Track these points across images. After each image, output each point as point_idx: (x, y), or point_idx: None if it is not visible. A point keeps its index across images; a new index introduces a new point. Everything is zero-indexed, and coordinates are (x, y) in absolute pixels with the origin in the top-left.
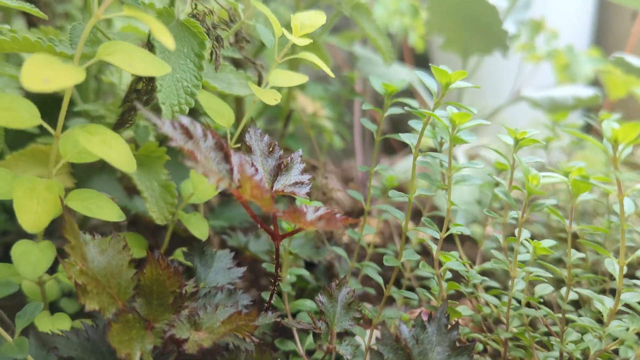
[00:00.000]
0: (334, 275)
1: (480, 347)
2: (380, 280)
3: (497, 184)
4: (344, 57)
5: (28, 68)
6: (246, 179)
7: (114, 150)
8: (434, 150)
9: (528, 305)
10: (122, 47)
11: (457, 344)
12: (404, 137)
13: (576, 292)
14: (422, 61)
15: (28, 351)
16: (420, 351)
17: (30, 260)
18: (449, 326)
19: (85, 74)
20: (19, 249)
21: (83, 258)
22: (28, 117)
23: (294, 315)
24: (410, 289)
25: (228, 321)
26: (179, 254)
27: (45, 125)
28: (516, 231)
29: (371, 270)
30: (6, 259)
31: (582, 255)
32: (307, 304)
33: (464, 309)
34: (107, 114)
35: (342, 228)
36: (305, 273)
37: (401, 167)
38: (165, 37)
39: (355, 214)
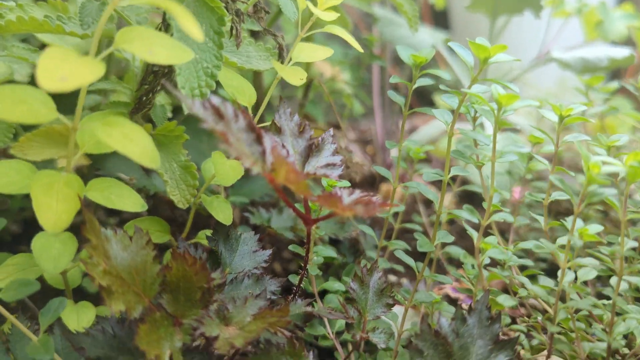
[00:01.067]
0: (360, 252)
1: (522, 337)
2: (411, 262)
3: (530, 158)
4: (359, 16)
5: (43, 66)
6: (281, 162)
7: (137, 144)
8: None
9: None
10: (140, 33)
11: (500, 337)
12: (437, 113)
13: (627, 282)
14: (440, 19)
15: (53, 351)
16: (461, 345)
17: (51, 254)
18: (491, 319)
19: (105, 67)
20: (39, 242)
21: (106, 256)
22: (44, 111)
23: (321, 295)
24: (439, 263)
25: (259, 317)
26: (202, 237)
27: (63, 118)
28: (569, 219)
29: (401, 253)
30: (25, 235)
31: (634, 244)
32: (336, 286)
33: (506, 299)
34: (121, 89)
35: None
36: (332, 254)
37: (425, 133)
38: (189, 24)
39: (378, 181)
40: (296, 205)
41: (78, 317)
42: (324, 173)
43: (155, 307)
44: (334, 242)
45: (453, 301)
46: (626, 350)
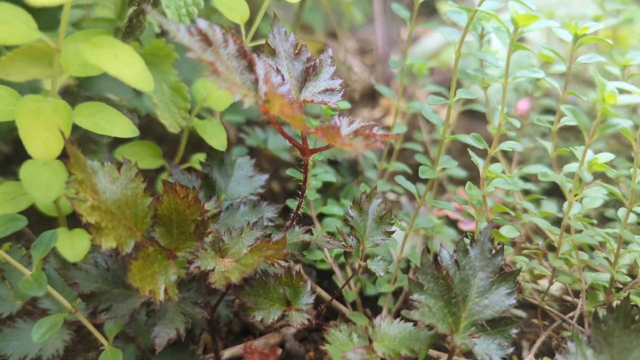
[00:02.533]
0: (359, 172)
1: (524, 267)
2: (413, 189)
3: (537, 80)
4: None
5: None
6: (275, 96)
7: (128, 65)
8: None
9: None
10: None
11: (502, 269)
12: (444, 32)
13: (636, 214)
14: None
15: (47, 286)
16: (462, 278)
17: (41, 182)
18: (494, 251)
19: None
20: (28, 171)
21: (93, 191)
22: (26, 31)
23: (320, 218)
24: (440, 181)
25: (256, 249)
26: (195, 162)
27: (46, 38)
28: (580, 149)
29: (402, 179)
30: (17, 156)
31: None
32: (334, 209)
33: (509, 231)
34: (105, 3)
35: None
36: (331, 178)
37: (427, 45)
38: None
39: (379, 93)
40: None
41: (73, 246)
42: (322, 100)
43: (148, 240)
44: (332, 163)
45: (453, 222)
46: (628, 279)
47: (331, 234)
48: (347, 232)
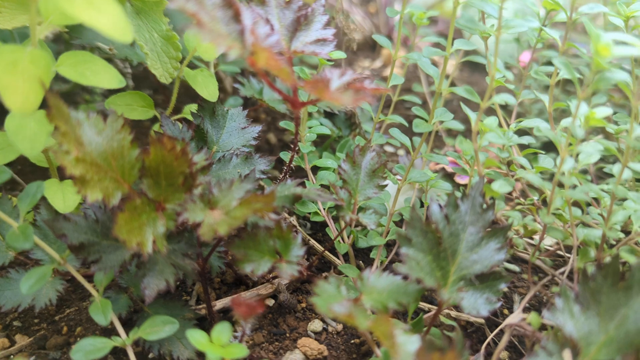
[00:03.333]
0: (356, 124)
1: (515, 223)
2: (407, 142)
3: (540, 30)
4: None
5: None
6: (261, 49)
7: (104, 13)
8: None
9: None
10: None
11: (492, 225)
12: None
13: (630, 169)
14: None
15: (33, 239)
16: (451, 232)
17: (26, 134)
18: (484, 206)
19: None
20: (12, 123)
21: (78, 143)
22: None
23: (314, 171)
24: (437, 134)
25: (245, 202)
26: (187, 112)
27: None
28: (573, 104)
29: (397, 132)
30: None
31: None
32: (329, 162)
33: (502, 186)
34: None
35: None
36: (326, 131)
37: None
38: None
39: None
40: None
41: (64, 197)
42: (312, 51)
43: (136, 192)
44: (329, 115)
45: (449, 176)
46: (621, 235)
47: (325, 187)
48: (340, 186)
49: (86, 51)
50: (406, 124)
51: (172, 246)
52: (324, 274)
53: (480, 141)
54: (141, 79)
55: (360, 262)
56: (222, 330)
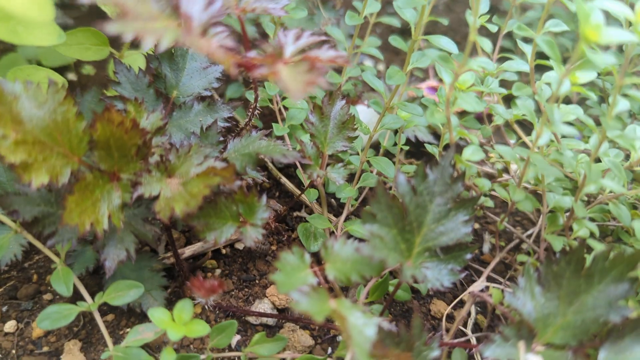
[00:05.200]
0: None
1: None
2: (380, 88)
3: None
4: None
5: None
6: (198, 43)
7: None
8: None
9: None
10: None
11: (460, 196)
12: None
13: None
14: None
15: None
16: (418, 203)
17: None
18: (454, 176)
19: None
20: None
21: (16, 122)
22: None
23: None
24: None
25: (202, 176)
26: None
27: None
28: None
29: (369, 76)
30: None
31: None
32: (299, 102)
33: (473, 153)
34: None
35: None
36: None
37: None
38: None
39: None
40: None
41: None
42: (264, 8)
43: (87, 165)
44: None
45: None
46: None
47: (296, 128)
48: (307, 141)
49: None
50: (380, 56)
51: (132, 211)
52: (294, 213)
53: (452, 107)
54: (86, 17)
55: (332, 200)
56: (183, 307)
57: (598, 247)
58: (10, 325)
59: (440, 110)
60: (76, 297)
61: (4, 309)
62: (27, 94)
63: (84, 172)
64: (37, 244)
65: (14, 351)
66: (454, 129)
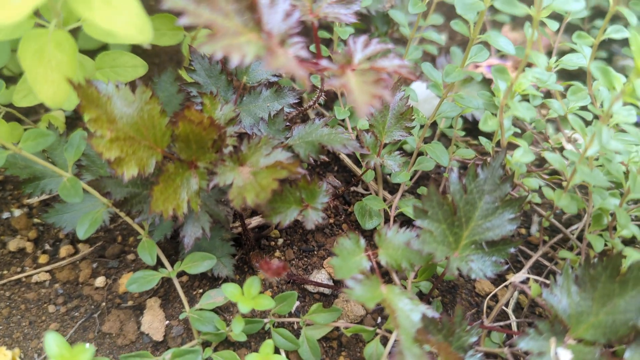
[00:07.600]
0: (393, 22)
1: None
2: (438, 79)
3: None
4: None
5: None
6: (278, 55)
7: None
8: None
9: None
10: None
11: (509, 196)
12: None
13: None
14: None
15: (82, 193)
16: (467, 201)
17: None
18: (504, 177)
19: None
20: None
21: (110, 121)
22: None
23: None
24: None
25: (271, 168)
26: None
27: None
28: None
29: (428, 67)
30: None
31: None
32: None
33: (524, 155)
34: None
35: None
36: None
37: None
38: None
39: None
40: None
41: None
42: (335, 14)
43: (169, 155)
44: (364, 17)
45: (487, 81)
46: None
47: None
48: (366, 129)
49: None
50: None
51: (206, 194)
52: (352, 189)
53: (506, 114)
54: None
55: (388, 176)
56: (252, 284)
57: (635, 255)
58: (100, 281)
59: (494, 117)
60: (157, 261)
61: (94, 265)
62: (118, 94)
63: (166, 164)
64: (127, 219)
65: (104, 304)
66: (506, 132)
